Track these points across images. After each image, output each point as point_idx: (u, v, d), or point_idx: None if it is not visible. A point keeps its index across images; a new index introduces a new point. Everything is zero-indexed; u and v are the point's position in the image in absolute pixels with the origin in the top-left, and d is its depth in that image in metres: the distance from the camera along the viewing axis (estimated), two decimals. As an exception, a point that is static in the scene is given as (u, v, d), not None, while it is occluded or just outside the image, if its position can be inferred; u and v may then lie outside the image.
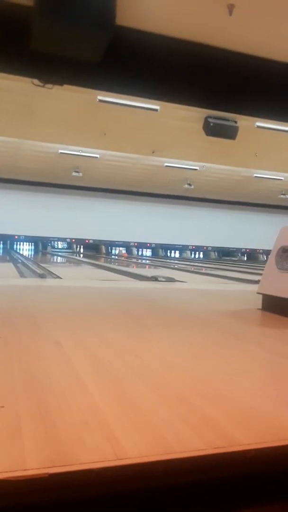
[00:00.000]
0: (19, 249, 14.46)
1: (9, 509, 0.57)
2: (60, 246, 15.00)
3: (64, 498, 0.60)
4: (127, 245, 15.67)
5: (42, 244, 14.71)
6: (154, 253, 15.79)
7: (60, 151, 10.60)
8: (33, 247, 14.73)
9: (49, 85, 5.53)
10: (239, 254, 16.60)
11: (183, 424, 0.76)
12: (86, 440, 0.68)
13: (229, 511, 0.66)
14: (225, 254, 16.38)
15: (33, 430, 0.71)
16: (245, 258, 16.43)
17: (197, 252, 16.33)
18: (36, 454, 0.63)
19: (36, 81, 5.51)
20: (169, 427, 0.74)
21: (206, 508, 0.65)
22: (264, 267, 2.40)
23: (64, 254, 13.53)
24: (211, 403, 0.88)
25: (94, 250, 15.04)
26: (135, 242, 15.64)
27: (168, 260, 12.42)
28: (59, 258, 11.99)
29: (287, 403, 0.90)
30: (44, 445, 0.66)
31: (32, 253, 14.13)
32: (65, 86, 5.70)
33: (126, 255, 14.18)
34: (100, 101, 7.18)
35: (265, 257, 14.87)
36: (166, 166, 11.80)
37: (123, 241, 15.55)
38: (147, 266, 9.13)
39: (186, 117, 7.81)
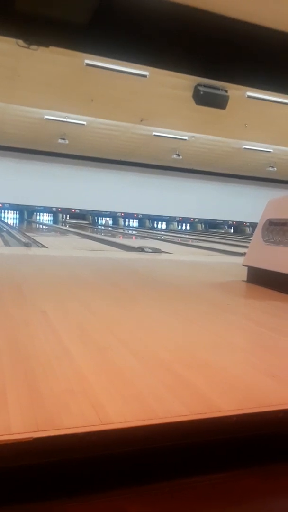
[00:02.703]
0: (4, 217, 14.25)
1: (-5, 472, 0.59)
2: (45, 220, 14.79)
3: (48, 461, 0.61)
4: (114, 215, 15.58)
5: (27, 213, 14.50)
6: (141, 224, 15.75)
7: (45, 116, 10.30)
8: (18, 215, 14.52)
9: (34, 47, 5.31)
10: (226, 227, 16.66)
11: (167, 392, 0.77)
12: (71, 407, 0.69)
13: (209, 474, 0.68)
14: (212, 226, 16.42)
15: (18, 397, 0.72)
16: (232, 231, 16.51)
17: (184, 224, 16.34)
18: (22, 419, 0.64)
19: (20, 42, 5.29)
20: (153, 395, 0.76)
21: (188, 471, 0.68)
22: (250, 239, 2.41)
23: (50, 225, 13.40)
24: (195, 372, 0.90)
25: (81, 219, 14.91)
26: (122, 213, 15.54)
27: (154, 231, 12.41)
28: (44, 227, 11.87)
29: (270, 373, 0.92)
30: (29, 411, 0.67)
31: (17, 221, 13.95)
32: (51, 48, 5.48)
33: None
34: (88, 65, 6.94)
35: (251, 230, 14.96)
36: (155, 135, 11.60)
37: (110, 211, 15.43)
38: (133, 237, 9.11)
39: (175, 85, 7.62)
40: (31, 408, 0.68)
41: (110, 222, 15.46)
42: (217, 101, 7.81)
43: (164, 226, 16.11)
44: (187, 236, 10.29)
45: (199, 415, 0.69)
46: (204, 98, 7.68)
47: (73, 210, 15.05)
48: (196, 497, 0.64)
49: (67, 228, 11.06)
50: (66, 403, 0.71)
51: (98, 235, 8.49)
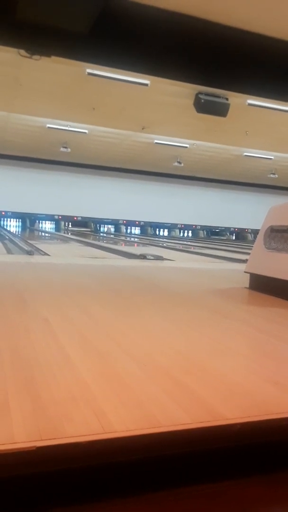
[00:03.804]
0: (6, 225, 14.29)
1: (-3, 481, 0.58)
2: (48, 228, 14.83)
3: (51, 471, 0.61)
4: (115, 223, 15.61)
5: (29, 221, 14.55)
6: (143, 231, 15.77)
7: (48, 125, 10.38)
8: (20, 223, 14.57)
9: (36, 56, 5.37)
10: (228, 233, 16.67)
11: (169, 400, 0.77)
12: (73, 415, 0.69)
13: (213, 482, 0.67)
14: (213, 233, 16.43)
15: (21, 405, 0.72)
16: (234, 237, 16.51)
17: (186, 231, 16.35)
18: (24, 428, 0.64)
19: (23, 51, 5.34)
20: (155, 403, 0.76)
21: (191, 479, 0.67)
22: (252, 246, 2.41)
23: (52, 233, 13.43)
24: (197, 379, 0.89)
25: (83, 227, 14.94)
26: (124, 220, 15.57)
27: (156, 238, 12.42)
28: (47, 235, 11.90)
29: (271, 379, 0.92)
30: (32, 419, 0.67)
31: (20, 229, 13.99)
32: (53, 58, 5.54)
33: None
34: (89, 74, 7.00)
35: (253, 236, 14.96)
36: (156, 143, 11.66)
37: (111, 219, 15.47)
38: (135, 244, 9.12)
39: (176, 93, 7.67)
40: (34, 416, 0.68)
41: (112, 230, 15.49)
42: (218, 109, 7.85)
43: (166, 233, 16.12)
44: (189, 243, 10.30)
45: (202, 423, 0.69)
46: (205, 106, 7.72)
47: (75, 218, 15.09)
48: (199, 505, 0.64)
49: (69, 235, 11.08)
50: (68, 411, 0.71)
51: (100, 243, 8.50)
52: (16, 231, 12.98)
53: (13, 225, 14.42)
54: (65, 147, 11.98)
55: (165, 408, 0.74)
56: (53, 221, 14.95)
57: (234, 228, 16.72)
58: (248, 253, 2.69)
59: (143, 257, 4.21)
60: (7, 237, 8.37)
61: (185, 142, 11.69)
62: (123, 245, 8.55)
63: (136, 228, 15.93)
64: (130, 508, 0.62)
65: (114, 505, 0.62)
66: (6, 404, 0.72)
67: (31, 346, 1.06)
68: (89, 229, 14.74)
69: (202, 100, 7.67)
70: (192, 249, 7.43)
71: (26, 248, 4.98)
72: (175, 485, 0.66)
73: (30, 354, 1.00)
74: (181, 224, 16.17)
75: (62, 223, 14.90)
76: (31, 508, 0.60)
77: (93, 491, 0.63)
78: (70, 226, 15.01)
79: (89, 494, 0.62)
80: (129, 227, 15.83)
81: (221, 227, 16.60)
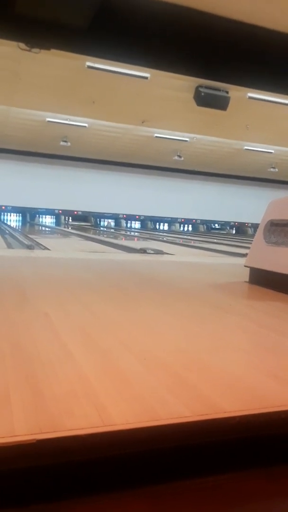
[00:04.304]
0: (6, 220, 14.28)
1: (-2, 474, 0.59)
2: (48, 222, 14.82)
3: (52, 463, 0.61)
4: (116, 217, 15.59)
5: (29, 215, 14.54)
6: (143, 226, 15.76)
7: (47, 119, 10.34)
8: (20, 218, 14.56)
9: (36, 50, 5.34)
10: (228, 227, 16.66)
11: (169, 394, 0.78)
12: (73, 409, 0.70)
13: (213, 475, 0.68)
14: (213, 228, 16.42)
15: (21, 399, 0.72)
16: (234, 232, 16.50)
17: (186, 225, 16.34)
18: (25, 421, 0.64)
19: (22, 45, 5.31)
20: (155, 397, 0.76)
21: (191, 472, 0.68)
22: (252, 240, 2.41)
23: (52, 227, 13.42)
24: (197, 374, 0.90)
25: (83, 221, 14.93)
26: (124, 214, 15.55)
27: (157, 233, 12.42)
28: (47, 229, 11.89)
29: (271, 374, 0.92)
30: (32, 413, 0.67)
31: (20, 224, 13.99)
32: (53, 51, 5.51)
33: None
34: (89, 67, 6.96)
35: (253, 230, 14.95)
36: (156, 137, 11.62)
37: (112, 213, 15.45)
38: (135, 238, 9.12)
39: (177, 86, 7.64)
40: (34, 410, 0.69)
41: (112, 224, 15.48)
42: (218, 102, 7.82)
43: (166, 227, 16.11)
44: (189, 237, 10.30)
45: (201, 416, 0.69)
46: (205, 100, 7.69)
47: (75, 212, 15.08)
48: (199, 498, 0.64)
49: (69, 230, 11.08)
50: (68, 405, 0.71)
51: (100, 237, 8.50)
52: (16, 226, 12.98)
53: (13, 220, 14.42)
54: (65, 141, 11.95)
55: (165, 402, 0.74)
56: (53, 215, 14.95)
57: (234, 222, 16.71)
58: (248, 247, 2.69)
59: (143, 251, 4.21)
60: (7, 232, 8.36)
61: (185, 136, 11.65)
62: (123, 239, 8.55)
63: (136, 222, 15.92)
64: (129, 501, 0.62)
65: (114, 498, 0.62)
66: (7, 398, 0.72)
67: (32, 341, 1.06)
68: (89, 224, 14.74)
69: (202, 94, 7.64)
70: (192, 243, 7.43)
71: (27, 243, 4.98)
72: (174, 478, 0.66)
73: (31, 348, 1.00)
74: (181, 218, 16.15)
75: (62, 217, 14.89)
76: (32, 501, 0.60)
77: (93, 484, 0.63)
78: (70, 220, 15.00)
79: (89, 487, 0.63)
80: (129, 221, 15.82)
81: (221, 221, 16.59)
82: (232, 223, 16.75)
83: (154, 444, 0.66)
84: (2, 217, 14.35)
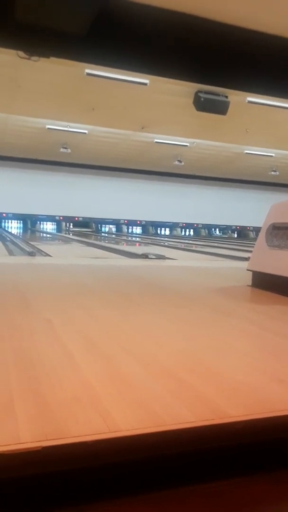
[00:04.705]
0: (7, 227, 14.31)
1: (4, 482, 0.59)
2: (49, 228, 14.84)
3: (58, 470, 0.61)
4: (117, 223, 15.61)
5: (30, 222, 14.57)
6: (144, 231, 15.77)
7: (47, 126, 10.39)
8: (21, 224, 14.59)
9: (35, 58, 5.37)
10: (229, 232, 16.66)
11: (173, 399, 0.78)
12: (78, 415, 0.70)
13: (217, 480, 0.68)
14: (215, 234, 16.43)
15: (26, 406, 0.72)
16: (235, 235, 16.50)
17: (187, 229, 16.35)
18: (30, 428, 0.64)
19: (21, 53, 5.34)
20: (159, 402, 0.76)
21: (196, 478, 0.67)
22: (254, 244, 2.41)
23: (53, 234, 13.45)
24: (200, 378, 0.90)
25: (84, 227, 14.96)
26: (125, 220, 15.57)
27: (158, 238, 12.42)
28: (48, 236, 11.91)
29: (275, 378, 0.92)
30: (37, 420, 0.67)
31: (21, 231, 14.02)
32: (52, 59, 5.53)
33: None
34: (88, 74, 7.00)
35: (255, 234, 14.95)
36: (156, 142, 11.66)
37: (113, 219, 15.48)
38: (137, 244, 9.12)
39: (176, 92, 7.67)
40: (39, 417, 0.69)
41: (114, 230, 15.49)
42: (218, 107, 7.85)
43: (167, 232, 16.12)
44: (190, 241, 10.30)
45: (206, 421, 0.69)
46: (204, 104, 7.72)
47: (76, 218, 15.10)
48: (204, 504, 0.64)
49: (70, 236, 11.09)
50: (73, 411, 0.71)
51: (101, 243, 8.51)
52: (17, 233, 13.01)
53: (14, 227, 14.45)
54: (65, 148, 12.00)
55: (169, 407, 0.74)
56: (54, 222, 14.98)
57: (236, 226, 16.71)
58: (250, 251, 2.69)
59: (145, 256, 4.21)
60: (8, 239, 8.38)
61: (185, 141, 11.68)
62: (124, 244, 8.56)
63: (138, 227, 15.93)
64: (135, 507, 0.62)
65: (120, 504, 0.62)
66: (11, 405, 0.72)
67: (35, 347, 1.06)
68: (90, 230, 14.76)
69: (202, 99, 7.67)
70: (194, 248, 7.43)
71: (28, 249, 4.99)
72: (179, 484, 0.66)
73: (34, 355, 1.00)
74: (183, 223, 16.16)
75: (63, 223, 14.92)
76: (38, 508, 0.60)
77: (98, 490, 0.63)
78: (71, 226, 15.03)
79: (95, 493, 0.63)
80: (130, 227, 15.83)
81: (223, 225, 16.59)
82: (234, 227, 16.75)
83: (159, 450, 0.66)
84: (3, 224, 14.38)
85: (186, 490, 0.65)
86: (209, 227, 16.42)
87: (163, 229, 16.19)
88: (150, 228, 15.83)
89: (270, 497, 0.67)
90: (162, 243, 8.91)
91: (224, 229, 16.58)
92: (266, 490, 0.67)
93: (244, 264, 2.50)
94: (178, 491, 0.65)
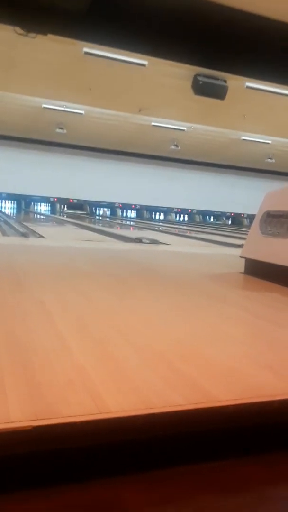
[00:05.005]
0: (1, 207, 14.19)
1: (-5, 460, 0.59)
2: (43, 210, 14.72)
3: (47, 450, 0.62)
4: (111, 206, 15.53)
5: (24, 203, 14.44)
6: (139, 215, 15.72)
7: (43, 105, 10.22)
8: (15, 205, 14.46)
9: (32, 34, 5.25)
10: (224, 218, 16.65)
11: (165, 384, 0.78)
12: (69, 397, 0.70)
13: (206, 462, 0.69)
14: (209, 218, 16.42)
15: (17, 388, 0.73)
16: (229, 222, 16.51)
17: (182, 215, 16.31)
18: (20, 408, 0.65)
19: (18, 29, 5.22)
20: (151, 387, 0.77)
21: (186, 459, 0.69)
22: (247, 231, 2.42)
23: (48, 215, 13.36)
24: (193, 364, 0.90)
25: (78, 210, 14.87)
26: (119, 203, 15.49)
27: (152, 222, 12.40)
28: (42, 217, 11.84)
29: (266, 364, 0.93)
30: (28, 401, 0.68)
31: (15, 211, 13.90)
32: (50, 36, 5.42)
33: None
34: (86, 53, 6.88)
35: (249, 221, 14.96)
36: (153, 125, 11.54)
37: (107, 202, 15.39)
38: (131, 228, 9.10)
39: (174, 74, 7.56)
40: (30, 398, 0.69)
41: (108, 213, 15.41)
42: (216, 92, 7.77)
43: (162, 217, 16.08)
44: (185, 227, 10.29)
45: (196, 404, 0.70)
46: (203, 88, 7.64)
47: (70, 200, 14.99)
48: (193, 484, 0.65)
49: (64, 218, 11.03)
50: (64, 394, 0.72)
51: (95, 226, 8.48)
52: (11, 213, 12.90)
53: (8, 207, 14.31)
54: (61, 128, 11.84)
55: (161, 392, 0.75)
56: (48, 203, 14.85)
57: (230, 213, 16.70)
58: (244, 238, 2.69)
59: (138, 240, 4.21)
60: (1, 219, 8.32)
61: (182, 125, 11.57)
62: (118, 228, 8.54)
63: (132, 211, 15.87)
64: (125, 487, 0.63)
65: (108, 483, 0.63)
66: (2, 386, 0.72)
67: (27, 330, 1.06)
68: (84, 212, 14.67)
69: (200, 82, 7.58)
70: (188, 233, 7.43)
71: (21, 230, 4.96)
72: (169, 465, 0.67)
73: (26, 338, 1.00)
74: (177, 208, 16.12)
75: (58, 205, 14.80)
76: (28, 486, 0.61)
77: (87, 470, 0.64)
78: (65, 208, 14.93)
79: (84, 473, 0.64)
80: (125, 211, 15.76)
81: (217, 211, 16.57)
82: (228, 214, 16.74)
83: (148, 431, 0.67)
84: (-4, 204, 14.25)
85: (176, 471, 0.67)
86: (203, 213, 16.39)
87: (157, 213, 16.13)
88: (144, 213, 15.77)
89: (259, 478, 0.68)
90: (156, 228, 8.90)
91: (218, 215, 16.57)
92: (255, 472, 0.69)
93: (237, 251, 2.51)
94: (168, 471, 0.66)
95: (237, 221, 16.30)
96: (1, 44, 6.58)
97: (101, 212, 15.49)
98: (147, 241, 4.14)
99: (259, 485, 0.68)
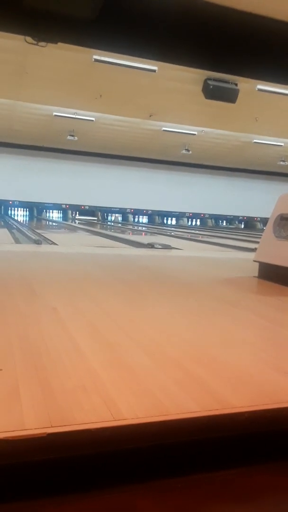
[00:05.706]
0: (14, 214, 14.33)
1: (9, 468, 0.59)
2: (55, 217, 14.83)
3: (61, 457, 0.62)
4: (123, 212, 15.57)
5: (37, 210, 14.57)
6: (151, 220, 15.72)
7: (54, 113, 10.32)
8: (27, 212, 14.60)
9: (43, 43, 5.32)
10: (236, 222, 16.56)
11: (178, 389, 0.78)
12: (83, 403, 0.70)
13: (220, 470, 0.68)
14: (222, 222, 16.34)
15: (31, 393, 0.73)
16: (242, 226, 16.40)
17: (194, 219, 16.27)
18: (35, 415, 0.65)
19: (29, 38, 5.29)
20: (164, 392, 0.76)
21: (200, 467, 0.68)
22: (261, 235, 2.39)
23: (59, 222, 13.46)
24: (206, 369, 0.89)
25: (90, 216, 14.94)
26: (131, 209, 15.52)
27: (164, 227, 12.39)
28: (54, 224, 11.92)
29: (281, 369, 0.92)
30: (42, 407, 0.68)
31: (27, 219, 14.03)
32: (59, 45, 5.48)
33: None
34: (96, 60, 6.93)
35: (262, 225, 14.85)
36: (164, 130, 11.56)
37: (119, 208, 15.43)
38: (143, 233, 9.11)
39: (185, 79, 7.57)
40: (44, 404, 0.69)
41: (120, 219, 15.45)
42: (227, 95, 7.74)
43: (174, 222, 16.06)
44: (197, 231, 10.26)
45: (210, 411, 0.69)
46: (213, 92, 7.62)
47: (82, 207, 15.07)
48: (208, 493, 0.64)
49: (76, 224, 11.09)
50: (78, 399, 0.71)
51: (107, 232, 8.50)
52: (23, 221, 13.02)
53: (20, 215, 14.46)
54: (72, 135, 11.93)
55: (174, 397, 0.74)
56: (60, 210, 14.96)
57: (243, 216, 16.60)
58: (257, 242, 2.67)
59: (151, 246, 4.20)
60: (14, 227, 8.40)
61: (193, 129, 11.57)
62: (130, 234, 8.55)
63: (144, 217, 15.88)
64: (138, 494, 0.62)
65: (122, 491, 0.63)
66: (17, 393, 0.73)
67: (41, 336, 1.07)
68: (96, 218, 14.74)
69: (211, 86, 7.57)
70: (200, 238, 7.41)
71: (34, 238, 4.99)
72: (183, 473, 0.66)
73: (40, 343, 1.01)
74: (189, 213, 16.08)
75: (70, 212, 14.90)
76: (42, 493, 0.61)
77: (101, 477, 0.64)
78: (77, 215, 15.01)
79: (98, 480, 0.63)
80: (136, 216, 15.78)
81: (230, 215, 16.48)
82: (241, 218, 16.64)
83: (163, 438, 0.66)
84: (9, 212, 14.40)
85: (190, 479, 0.66)
86: (216, 218, 16.32)
87: (169, 218, 16.11)
88: (156, 218, 15.77)
89: (274, 486, 0.67)
90: (168, 233, 8.88)
91: (231, 219, 16.47)
92: (270, 480, 0.68)
93: (251, 255, 2.48)
94: (182, 479, 0.65)
95: (250, 224, 16.19)
96: (12, 53, 6.68)
97: (113, 218, 15.54)
98: (159, 247, 4.14)
99: (275, 493, 0.66)
